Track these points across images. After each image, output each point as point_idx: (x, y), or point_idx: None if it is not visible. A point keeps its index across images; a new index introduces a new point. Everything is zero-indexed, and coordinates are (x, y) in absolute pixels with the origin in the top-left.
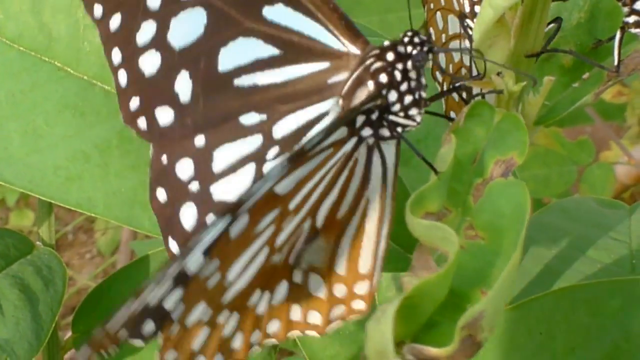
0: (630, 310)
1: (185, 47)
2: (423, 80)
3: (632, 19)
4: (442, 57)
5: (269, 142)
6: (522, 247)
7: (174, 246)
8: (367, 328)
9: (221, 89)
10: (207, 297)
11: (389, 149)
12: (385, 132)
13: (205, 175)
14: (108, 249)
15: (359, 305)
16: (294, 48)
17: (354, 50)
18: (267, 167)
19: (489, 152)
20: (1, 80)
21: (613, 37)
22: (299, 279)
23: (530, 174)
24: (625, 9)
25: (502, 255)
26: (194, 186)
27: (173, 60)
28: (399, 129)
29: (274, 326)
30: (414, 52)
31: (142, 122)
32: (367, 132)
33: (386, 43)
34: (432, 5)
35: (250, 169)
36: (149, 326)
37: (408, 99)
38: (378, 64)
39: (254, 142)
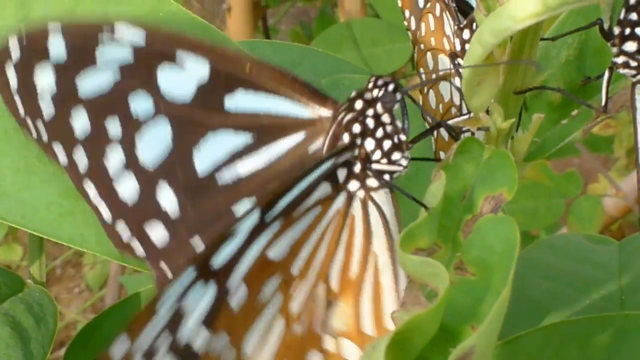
0: (620, 345)
1: (158, 162)
2: (399, 124)
3: (620, 59)
4: (432, 97)
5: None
6: (512, 282)
7: None
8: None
9: (206, 191)
10: None
11: (384, 198)
12: (373, 182)
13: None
14: (96, 283)
15: None
16: (265, 129)
17: (325, 112)
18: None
19: (478, 189)
20: None
21: (601, 75)
22: (331, 346)
23: (518, 207)
24: (614, 50)
25: (492, 290)
26: None
27: (149, 177)
28: (387, 177)
29: None
30: (380, 94)
31: (137, 247)
32: (354, 185)
33: (353, 93)
34: (422, 46)
35: None
36: None
37: (387, 144)
38: (349, 116)
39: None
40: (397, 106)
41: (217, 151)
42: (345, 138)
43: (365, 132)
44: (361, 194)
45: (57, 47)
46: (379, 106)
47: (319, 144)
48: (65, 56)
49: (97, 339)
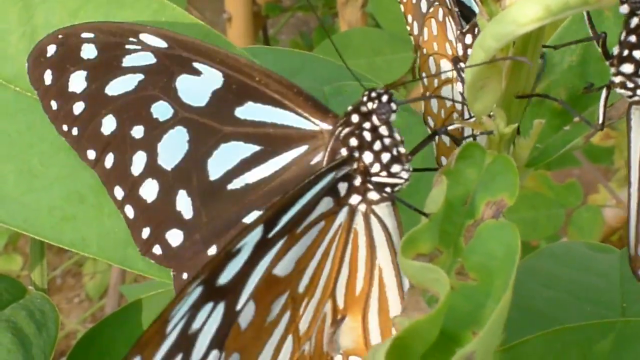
0: (621, 351)
1: (176, 166)
2: (397, 136)
3: (618, 79)
4: (434, 103)
5: None
6: (513, 288)
7: None
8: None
9: (218, 197)
10: None
11: (386, 211)
12: (374, 196)
13: None
14: (96, 292)
15: None
16: (271, 139)
17: (326, 126)
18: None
19: (480, 194)
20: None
21: (603, 87)
22: None
23: (518, 217)
24: (613, 69)
25: (493, 296)
26: None
27: (169, 182)
28: (388, 189)
29: None
30: (374, 106)
31: (157, 250)
32: (355, 199)
33: (349, 108)
34: (425, 51)
35: None
36: None
37: (386, 156)
38: (346, 130)
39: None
40: (393, 117)
41: (228, 160)
42: (343, 152)
43: (363, 145)
44: (363, 207)
45: (89, 51)
46: (374, 118)
47: (319, 157)
48: (95, 60)
49: (97, 347)
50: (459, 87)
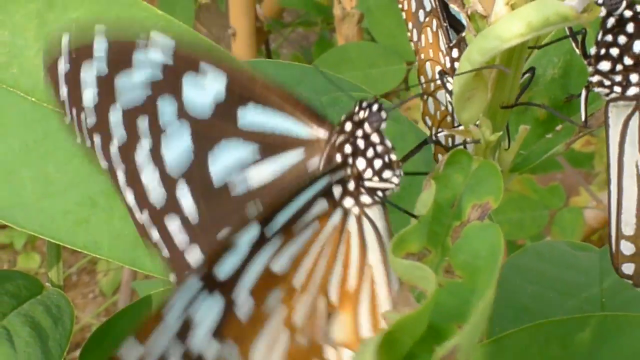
0: (600, 343)
1: (177, 156)
2: (388, 143)
3: (595, 78)
4: (431, 104)
5: None
6: (497, 285)
7: None
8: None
9: (216, 193)
10: None
11: (377, 214)
12: (367, 199)
13: None
14: (110, 289)
15: None
16: (270, 142)
17: (322, 134)
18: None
19: (466, 197)
20: (16, 130)
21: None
22: (332, 356)
23: (505, 218)
24: (590, 69)
25: (477, 292)
26: None
27: (170, 171)
28: (380, 194)
29: None
30: (365, 115)
31: (154, 234)
32: (349, 202)
33: (343, 117)
34: (422, 56)
35: None
36: None
37: (378, 163)
38: (341, 138)
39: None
40: (384, 125)
41: (228, 158)
42: (338, 158)
43: (356, 152)
44: (356, 210)
45: (100, 48)
46: (366, 126)
47: (316, 162)
48: (106, 56)
49: (111, 339)
50: (448, 96)
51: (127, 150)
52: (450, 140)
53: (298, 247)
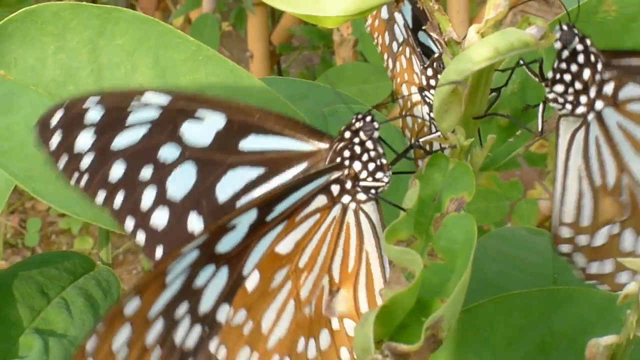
0: (553, 312)
1: (186, 195)
2: (380, 149)
3: (551, 96)
4: (409, 120)
5: None
6: (471, 265)
7: None
8: (354, 331)
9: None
10: (249, 342)
11: (371, 209)
12: (362, 196)
13: None
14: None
15: None
16: (275, 162)
17: (323, 145)
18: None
19: (445, 193)
20: None
21: (538, 105)
22: (336, 326)
23: (473, 207)
24: (547, 89)
25: (456, 272)
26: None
27: (179, 209)
28: (373, 191)
29: None
30: (360, 125)
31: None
32: (346, 199)
33: (343, 127)
34: (398, 80)
35: None
36: None
37: (371, 166)
38: (341, 144)
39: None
40: (376, 134)
41: (236, 184)
42: (337, 161)
43: (353, 156)
44: (353, 206)
45: (95, 113)
46: (361, 134)
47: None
48: (102, 119)
49: None
50: (425, 108)
51: (131, 200)
52: (428, 146)
53: (301, 234)
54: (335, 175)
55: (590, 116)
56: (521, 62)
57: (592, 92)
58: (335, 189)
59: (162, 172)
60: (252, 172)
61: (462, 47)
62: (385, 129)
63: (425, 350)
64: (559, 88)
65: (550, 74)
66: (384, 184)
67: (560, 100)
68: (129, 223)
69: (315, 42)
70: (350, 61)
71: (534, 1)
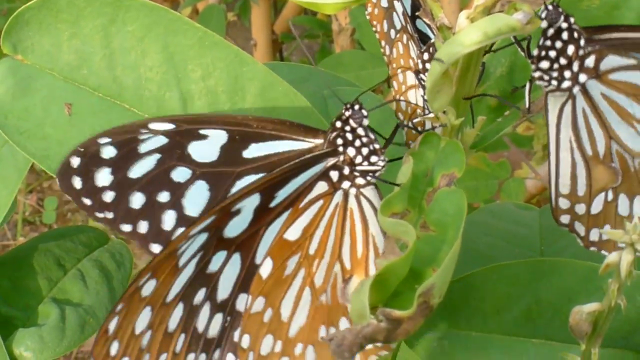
0: (539, 282)
1: (203, 211)
2: (371, 135)
3: (537, 74)
4: (403, 103)
5: None
6: (462, 237)
7: None
8: (351, 298)
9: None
10: (271, 330)
11: (372, 193)
12: (361, 181)
13: None
14: None
15: None
16: (277, 164)
17: (319, 141)
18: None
19: (437, 169)
20: (86, 119)
21: (525, 86)
22: None
23: (464, 186)
24: (533, 66)
25: (447, 243)
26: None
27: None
28: (370, 175)
29: None
30: (350, 113)
31: None
32: (346, 184)
33: (334, 119)
34: (394, 65)
35: None
36: (229, 358)
37: (365, 151)
38: (334, 134)
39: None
40: (366, 122)
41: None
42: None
43: (346, 143)
44: (353, 191)
45: (108, 151)
46: (351, 122)
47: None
48: (115, 156)
49: None
50: (420, 91)
51: (154, 225)
52: (420, 127)
53: (307, 220)
54: (332, 161)
55: (576, 89)
56: (512, 39)
57: (576, 66)
58: (334, 175)
59: (178, 193)
60: (257, 177)
61: (452, 32)
62: (380, 113)
63: (418, 316)
64: (545, 64)
65: (536, 52)
66: (380, 167)
67: (546, 77)
68: (155, 249)
69: (315, 31)
70: (348, 49)
71: None
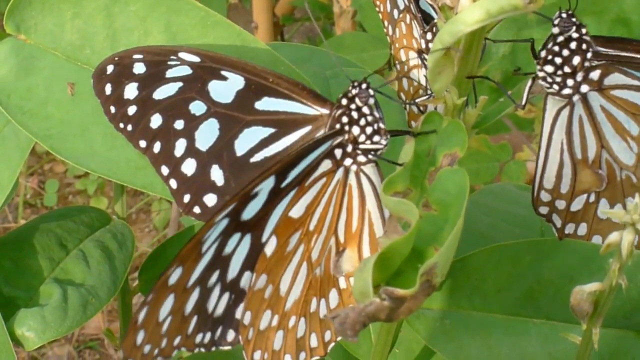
0: (540, 262)
1: (210, 147)
2: (376, 114)
3: (541, 74)
4: (405, 82)
5: None
6: (464, 216)
7: None
8: (354, 276)
9: (243, 168)
10: (270, 305)
11: (371, 170)
12: (362, 158)
13: None
14: (161, 224)
15: None
16: (283, 123)
17: (325, 111)
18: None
19: (439, 148)
20: (89, 98)
21: (528, 73)
22: (344, 284)
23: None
24: (538, 67)
25: (449, 222)
26: None
27: (204, 160)
28: (372, 153)
29: None
30: (356, 92)
31: (197, 209)
32: (348, 161)
33: (340, 95)
34: (397, 45)
35: None
36: (230, 335)
37: (369, 129)
38: (339, 111)
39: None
40: (372, 100)
41: (251, 140)
42: (337, 127)
43: (351, 122)
44: (354, 167)
45: (139, 67)
46: (357, 100)
47: (321, 134)
48: (144, 74)
49: (162, 260)
50: (422, 71)
51: (166, 148)
52: (422, 107)
53: (310, 198)
54: (338, 140)
55: (575, 98)
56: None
57: (579, 77)
58: (338, 152)
59: (192, 124)
60: (264, 131)
61: (455, 11)
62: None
63: (420, 295)
64: (549, 68)
65: (543, 53)
66: (382, 146)
67: (549, 79)
68: (164, 170)
69: (316, 13)
70: (350, 31)
71: None
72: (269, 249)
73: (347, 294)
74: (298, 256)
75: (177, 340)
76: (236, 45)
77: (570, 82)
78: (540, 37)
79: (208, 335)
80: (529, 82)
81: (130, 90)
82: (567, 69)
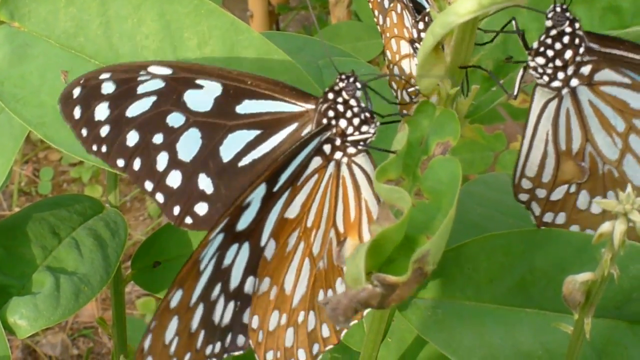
0: (533, 252)
1: (194, 157)
2: (363, 105)
3: (532, 64)
4: (396, 71)
5: None
6: (456, 205)
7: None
8: (347, 263)
9: (232, 174)
10: (277, 306)
11: (363, 160)
12: (352, 150)
13: None
14: (156, 212)
15: None
16: (268, 124)
17: (310, 106)
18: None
19: (431, 137)
20: None
21: (520, 62)
22: None
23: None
24: (529, 57)
25: (442, 211)
26: None
27: (189, 170)
28: (362, 143)
29: None
30: (343, 85)
31: (188, 220)
32: (338, 155)
33: (326, 89)
34: (388, 34)
35: None
36: (240, 340)
37: (356, 121)
38: (325, 105)
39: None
40: (359, 93)
41: (236, 145)
42: (324, 122)
43: (338, 115)
44: (345, 160)
45: (108, 87)
46: (344, 94)
47: (308, 129)
48: (114, 92)
49: (155, 248)
50: (414, 61)
51: (147, 164)
52: (413, 96)
53: (304, 196)
54: (326, 135)
55: (564, 91)
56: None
57: (570, 71)
58: (327, 148)
59: (172, 137)
60: (250, 134)
61: (448, 2)
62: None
63: (412, 282)
64: (540, 60)
65: (535, 45)
66: (370, 134)
67: (540, 70)
68: (148, 185)
69: (312, 2)
70: (345, 20)
71: None
72: (268, 253)
73: None
74: (299, 254)
75: (187, 358)
76: (229, 34)
77: (560, 75)
78: (533, 27)
79: (218, 345)
80: (521, 71)
81: (101, 111)
82: (558, 63)
